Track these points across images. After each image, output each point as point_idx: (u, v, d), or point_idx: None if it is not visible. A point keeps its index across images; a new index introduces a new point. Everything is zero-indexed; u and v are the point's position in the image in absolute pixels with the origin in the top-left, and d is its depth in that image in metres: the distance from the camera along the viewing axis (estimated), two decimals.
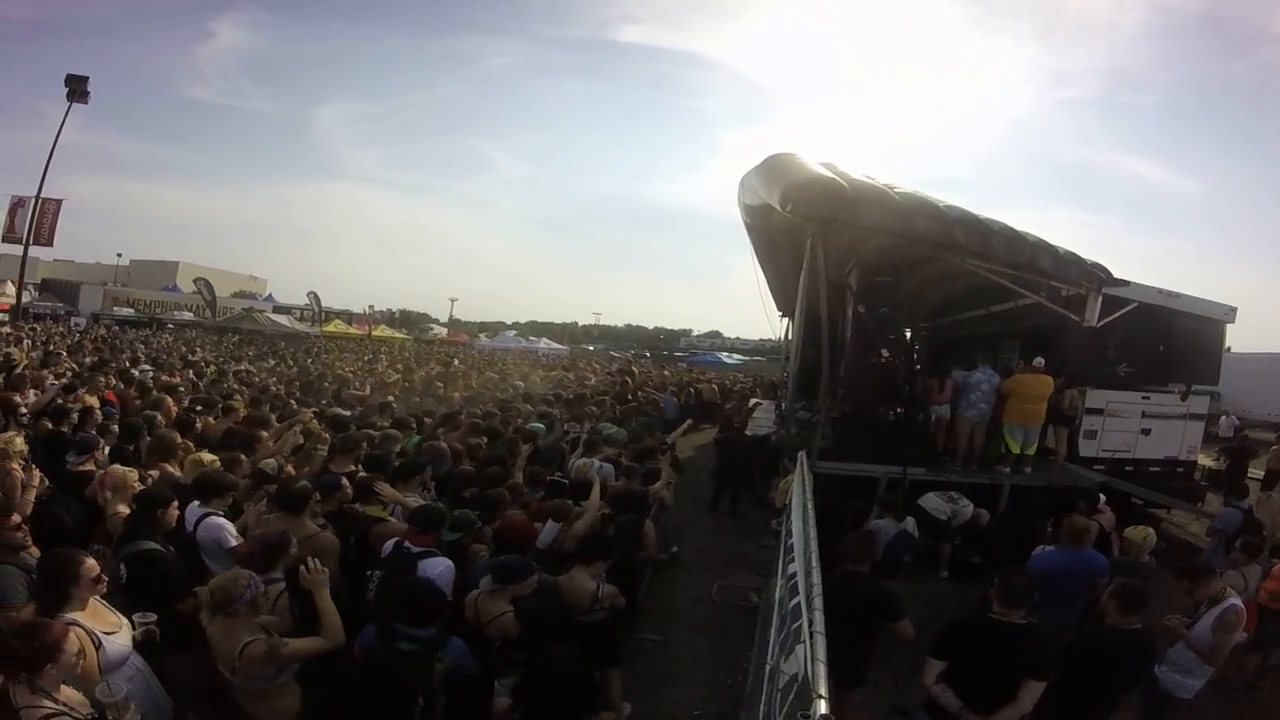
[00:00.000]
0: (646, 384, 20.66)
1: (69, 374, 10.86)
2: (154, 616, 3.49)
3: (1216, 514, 8.86)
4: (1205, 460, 13.18)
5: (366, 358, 26.45)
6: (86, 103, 34.72)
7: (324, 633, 3.58)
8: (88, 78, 34.49)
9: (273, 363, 20.09)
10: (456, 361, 25.91)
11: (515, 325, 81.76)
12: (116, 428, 7.10)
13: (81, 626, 3.09)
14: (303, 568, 3.75)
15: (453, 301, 78.01)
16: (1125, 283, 9.31)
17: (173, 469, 5.77)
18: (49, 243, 37.14)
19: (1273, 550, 7.14)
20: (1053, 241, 8.69)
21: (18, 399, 7.79)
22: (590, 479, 6.41)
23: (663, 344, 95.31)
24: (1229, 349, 12.62)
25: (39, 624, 2.79)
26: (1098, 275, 8.64)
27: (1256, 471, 14.12)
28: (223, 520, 4.74)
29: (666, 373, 31.47)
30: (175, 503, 4.55)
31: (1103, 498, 8.17)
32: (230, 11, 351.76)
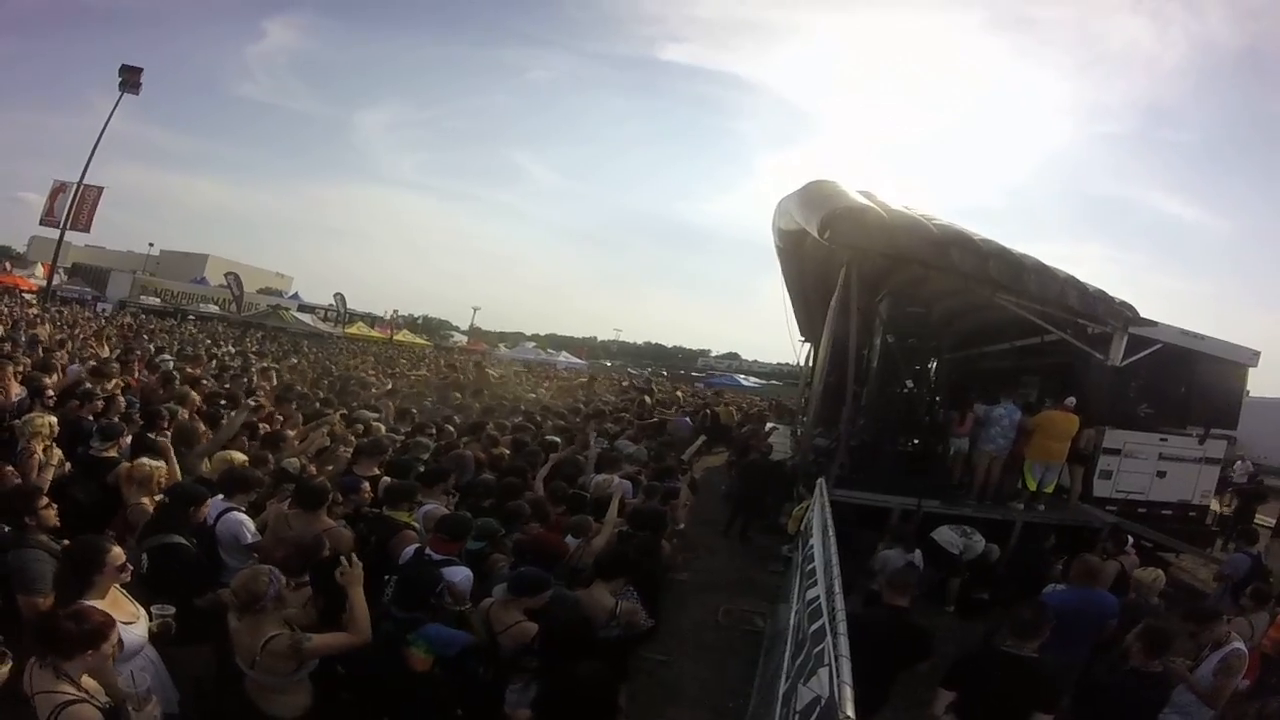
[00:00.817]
0: (659, 403, 20.45)
1: (90, 359, 10.91)
2: (172, 609, 3.55)
3: (1226, 559, 8.83)
4: (1216, 506, 13.10)
5: (388, 358, 26.55)
6: (138, 93, 34.82)
7: (351, 627, 3.60)
8: (142, 69, 34.63)
9: (294, 360, 20.16)
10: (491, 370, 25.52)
11: (535, 337, 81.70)
12: (138, 416, 7.14)
13: None
14: (342, 561, 3.80)
15: (475, 310, 77.35)
16: (1152, 323, 9.33)
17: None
18: (87, 229, 37.45)
19: None
20: (1081, 278, 8.71)
21: (46, 380, 7.87)
22: (610, 495, 6.44)
23: (680, 363, 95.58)
24: (1248, 393, 12.52)
25: (86, 609, 2.84)
26: (1124, 314, 8.66)
27: (1267, 518, 14.02)
28: (243, 516, 4.80)
29: (679, 392, 30.73)
30: (209, 500, 4.63)
31: (1130, 539, 8.18)
32: (284, 12, 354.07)
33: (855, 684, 4.01)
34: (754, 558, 10.44)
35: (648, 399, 19.18)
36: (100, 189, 36.98)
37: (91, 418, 6.75)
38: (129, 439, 6.21)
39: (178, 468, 5.28)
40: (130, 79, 34.41)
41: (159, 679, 3.42)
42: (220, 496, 4.89)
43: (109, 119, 34.84)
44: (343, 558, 3.86)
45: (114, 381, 8.70)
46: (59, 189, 36.92)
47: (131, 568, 3.51)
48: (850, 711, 2.35)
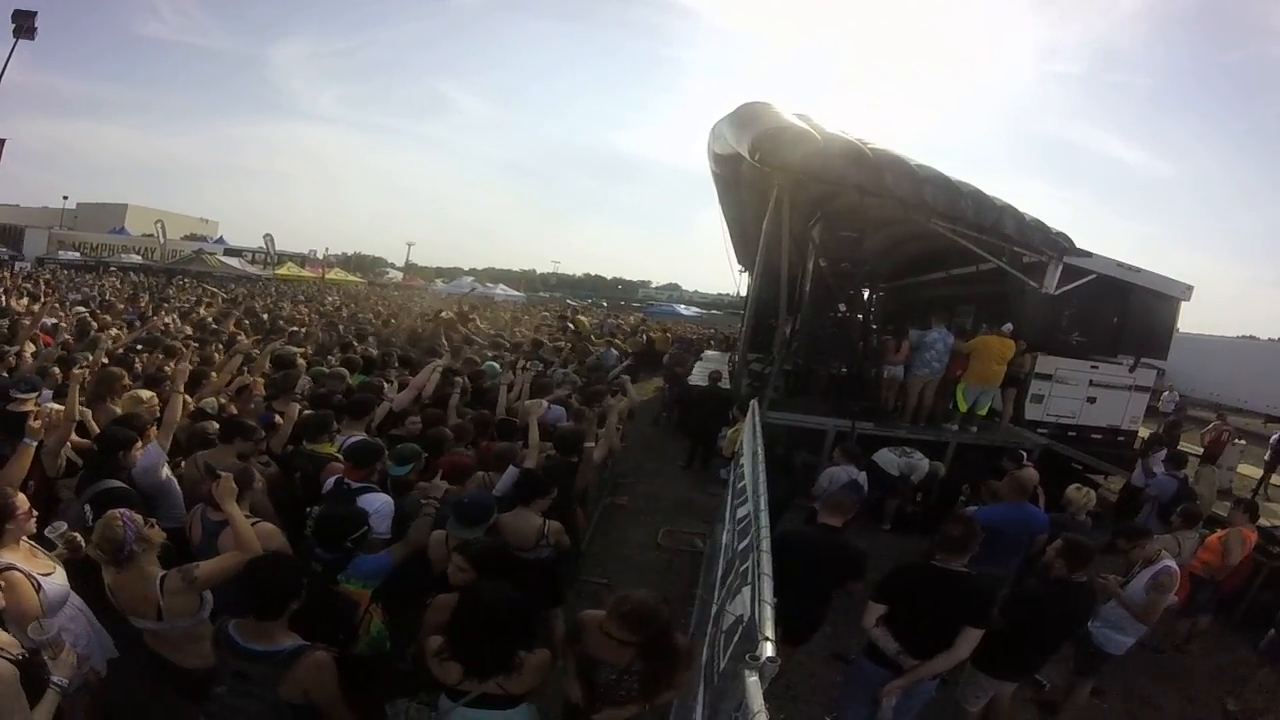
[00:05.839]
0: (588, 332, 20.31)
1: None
2: (63, 525, 3.42)
3: (1153, 480, 9.06)
4: (1145, 432, 13.48)
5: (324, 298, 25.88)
6: (33, 39, 32.82)
7: (238, 545, 3.49)
8: (35, 13, 32.57)
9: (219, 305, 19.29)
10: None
11: (473, 271, 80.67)
12: (56, 369, 6.83)
13: (18, 569, 3.06)
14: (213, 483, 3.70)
15: (409, 246, 75.65)
16: (1087, 254, 9.47)
17: (114, 407, 5.59)
18: None
19: (1206, 522, 7.33)
20: (1020, 209, 8.73)
21: None
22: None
23: (620, 294, 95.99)
24: (1178, 329, 12.83)
25: None
26: (1060, 244, 8.71)
27: (1192, 445, 14.46)
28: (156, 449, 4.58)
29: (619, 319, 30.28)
30: (139, 444, 4.44)
31: (1024, 454, 8.36)
32: None
33: (789, 603, 4.00)
34: (692, 481, 10.57)
35: (569, 325, 19.29)
36: (2, 140, 35.22)
37: (6, 374, 6.54)
38: (50, 392, 5.94)
39: (75, 407, 4.98)
40: (24, 24, 32.13)
41: (89, 626, 3.34)
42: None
43: (4, 68, 32.87)
44: (216, 473, 3.79)
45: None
46: None
47: (37, 514, 3.37)
48: (769, 631, 2.22)
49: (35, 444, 4.13)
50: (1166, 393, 20.62)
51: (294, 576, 3.09)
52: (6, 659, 2.57)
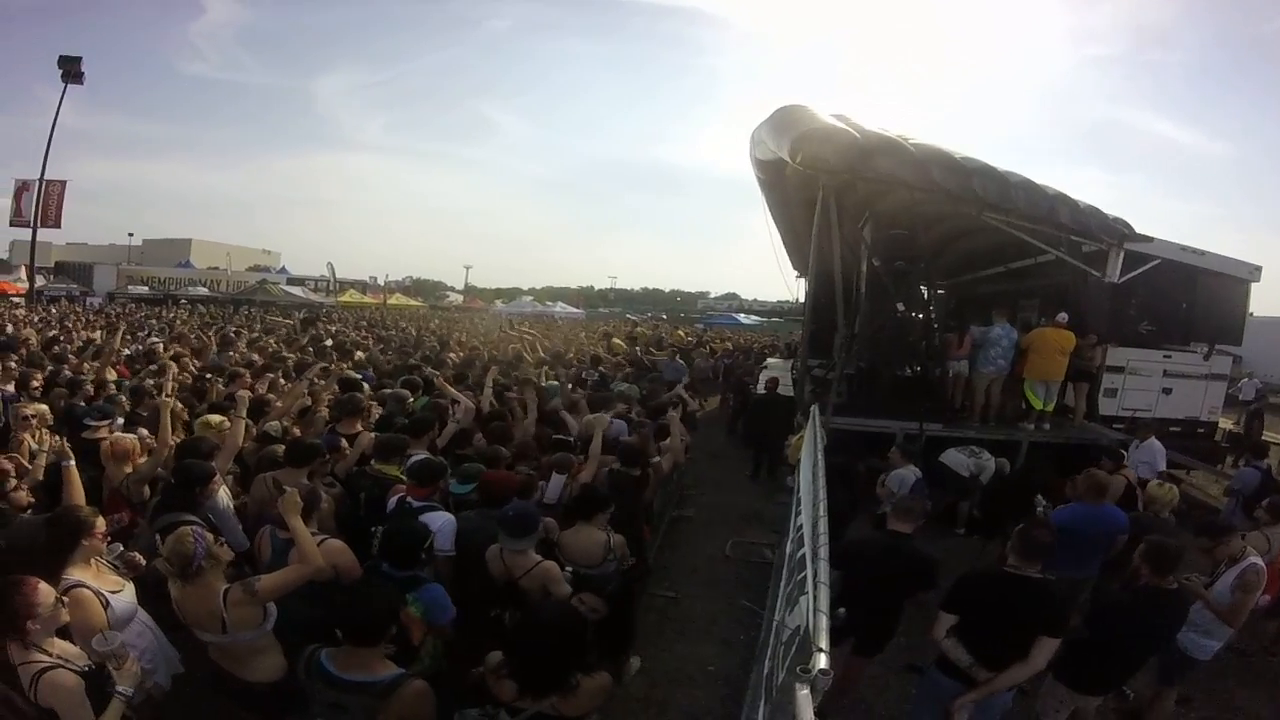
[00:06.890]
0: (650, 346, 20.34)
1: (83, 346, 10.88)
2: (120, 546, 3.59)
3: (1235, 474, 8.70)
4: (1225, 423, 12.96)
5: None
6: (81, 83, 34.41)
7: (300, 559, 3.53)
8: (80, 58, 34.10)
9: (284, 332, 19.77)
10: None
11: (531, 291, 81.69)
12: (125, 397, 7.03)
13: (88, 587, 3.17)
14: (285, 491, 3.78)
15: (468, 269, 77.50)
16: (1148, 239, 9.15)
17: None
18: (56, 224, 37.00)
19: None
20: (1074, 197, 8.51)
21: (35, 377, 7.78)
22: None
23: (680, 306, 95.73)
24: (1252, 313, 12.31)
25: (5, 584, 2.75)
26: (1119, 230, 8.47)
27: (1276, 435, 13.90)
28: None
29: (680, 332, 30.88)
30: (217, 478, 4.52)
31: (1125, 454, 8.03)
32: None
33: (860, 614, 3.90)
34: (761, 490, 10.45)
35: (617, 340, 19.42)
36: (63, 182, 36.56)
37: (84, 403, 6.74)
38: (121, 420, 6.13)
39: (169, 433, 5.12)
40: (70, 69, 33.87)
41: (156, 642, 3.46)
42: None
43: (58, 111, 34.50)
44: (282, 488, 3.89)
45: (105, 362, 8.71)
46: (22, 188, 36.25)
47: (110, 537, 3.53)
48: (824, 644, 2.12)
49: (72, 463, 4.36)
50: (1245, 379, 19.83)
51: (391, 599, 3.15)
52: (73, 670, 2.69)
